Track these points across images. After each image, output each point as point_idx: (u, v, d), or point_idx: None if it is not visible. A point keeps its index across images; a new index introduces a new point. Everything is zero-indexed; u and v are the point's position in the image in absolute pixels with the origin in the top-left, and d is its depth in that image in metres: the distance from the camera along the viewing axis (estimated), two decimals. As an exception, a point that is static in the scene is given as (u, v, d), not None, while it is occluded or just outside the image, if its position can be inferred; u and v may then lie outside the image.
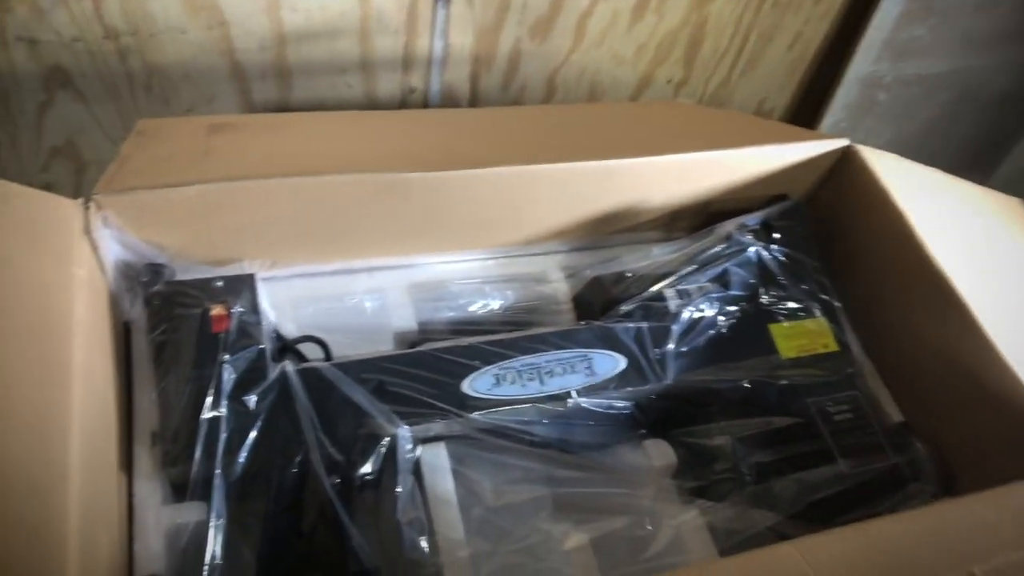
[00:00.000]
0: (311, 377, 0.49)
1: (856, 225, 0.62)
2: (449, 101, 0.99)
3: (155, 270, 0.49)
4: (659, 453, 0.53)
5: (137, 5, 0.77)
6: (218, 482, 0.45)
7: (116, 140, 0.88)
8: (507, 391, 0.51)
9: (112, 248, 0.48)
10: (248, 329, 0.48)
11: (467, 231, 0.57)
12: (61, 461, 0.38)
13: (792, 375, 0.56)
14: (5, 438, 0.36)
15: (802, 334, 0.58)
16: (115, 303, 0.49)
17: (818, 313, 0.59)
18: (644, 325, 0.55)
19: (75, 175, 0.90)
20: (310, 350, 0.53)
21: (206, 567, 0.44)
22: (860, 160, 0.60)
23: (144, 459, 0.47)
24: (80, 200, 0.45)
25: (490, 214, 0.56)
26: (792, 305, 0.59)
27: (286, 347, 0.52)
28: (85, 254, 0.45)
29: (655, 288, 0.57)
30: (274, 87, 0.90)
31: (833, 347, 0.58)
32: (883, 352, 0.61)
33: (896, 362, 0.60)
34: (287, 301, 0.55)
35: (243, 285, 0.50)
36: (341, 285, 0.56)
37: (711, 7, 1.01)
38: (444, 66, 0.96)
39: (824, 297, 0.60)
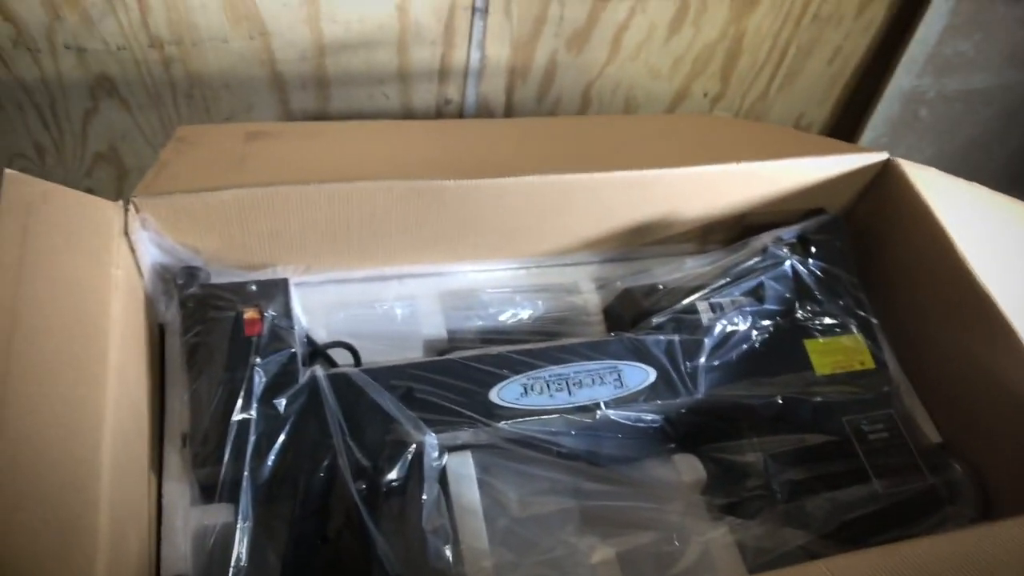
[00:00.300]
0: (340, 382, 0.49)
1: (895, 240, 0.61)
2: (484, 112, 0.99)
3: (191, 273, 0.49)
4: (689, 468, 0.52)
5: (182, 15, 0.79)
6: (246, 484, 0.45)
7: (157, 147, 0.90)
8: (535, 401, 0.51)
9: (149, 250, 0.49)
10: (280, 333, 0.48)
11: (498, 240, 0.57)
12: (93, 457, 0.38)
13: (826, 392, 0.55)
14: (40, 432, 0.36)
15: (838, 350, 0.57)
16: (150, 305, 0.50)
17: (854, 329, 0.58)
18: (675, 338, 0.55)
19: (117, 181, 0.92)
20: (340, 356, 0.54)
21: (232, 569, 0.44)
22: (900, 174, 0.59)
23: (174, 460, 0.47)
24: (120, 202, 0.46)
25: (522, 223, 0.56)
26: (828, 321, 0.57)
27: (316, 352, 0.52)
28: (123, 255, 0.46)
29: (687, 301, 0.56)
30: (312, 97, 0.91)
31: (869, 364, 0.57)
32: (921, 371, 0.59)
33: (935, 382, 0.58)
34: (319, 306, 0.55)
35: (276, 289, 0.50)
36: (372, 292, 0.57)
37: (749, 21, 1.00)
38: (480, 77, 0.97)
39: (861, 313, 0.59)
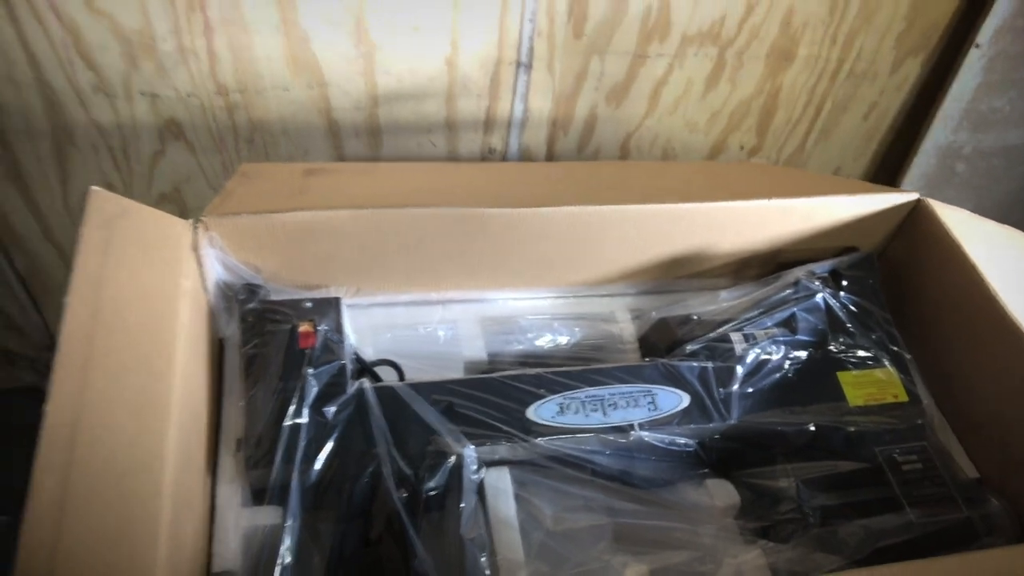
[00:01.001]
0: (386, 395, 0.52)
1: (928, 278, 0.63)
2: (526, 161, 1.04)
3: (251, 289, 0.53)
4: (722, 492, 0.54)
5: (247, 64, 0.86)
6: (294, 488, 0.48)
7: (217, 188, 0.96)
8: (570, 420, 0.53)
9: (214, 267, 0.53)
10: (331, 347, 0.51)
11: (538, 268, 0.60)
12: (159, 449, 0.41)
13: (859, 422, 0.56)
14: (112, 419, 0.40)
15: (871, 383, 0.58)
16: (213, 319, 0.54)
17: (888, 364, 0.59)
18: (709, 365, 0.56)
19: (179, 219, 0.98)
20: (385, 373, 0.56)
21: (278, 568, 0.46)
22: (931, 213, 0.61)
23: (228, 464, 0.50)
24: (190, 220, 0.51)
25: (561, 252, 0.59)
26: (861, 354, 0.59)
27: (364, 368, 0.55)
28: (191, 269, 0.50)
29: (721, 330, 0.58)
30: (365, 144, 0.97)
31: (903, 397, 0.58)
32: (956, 407, 0.60)
33: (970, 417, 0.59)
34: (367, 327, 0.58)
35: (329, 307, 0.54)
36: (417, 315, 0.60)
37: (784, 77, 1.04)
38: (523, 128, 1.02)
39: (894, 348, 0.60)
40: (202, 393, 0.49)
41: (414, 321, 0.59)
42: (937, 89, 1.06)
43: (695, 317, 0.60)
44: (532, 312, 0.61)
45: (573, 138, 1.05)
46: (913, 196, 0.62)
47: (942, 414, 0.60)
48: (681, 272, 0.63)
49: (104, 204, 0.47)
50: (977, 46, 0.99)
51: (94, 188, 0.47)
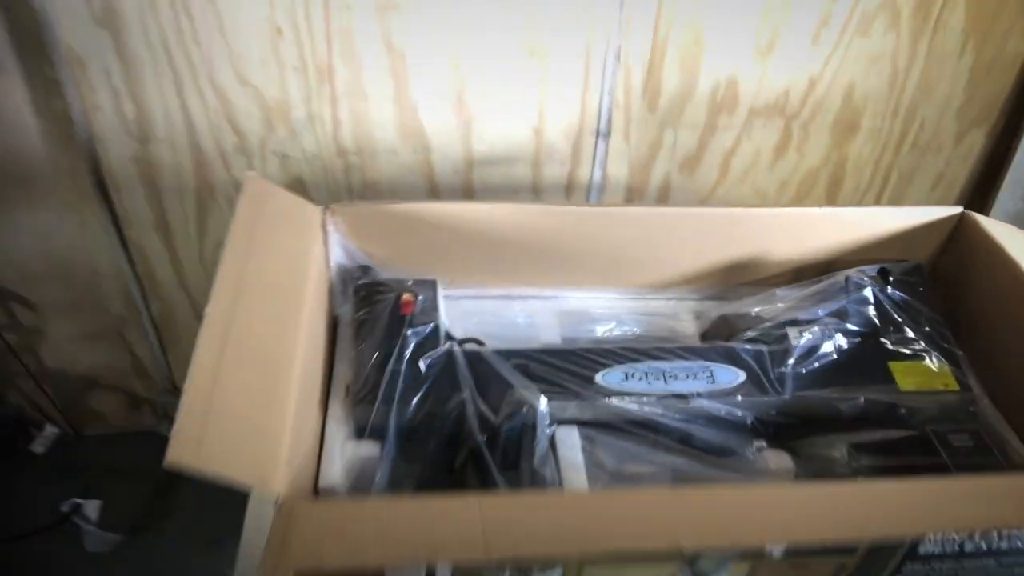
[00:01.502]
0: (472, 355, 0.61)
1: (976, 286, 0.68)
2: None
3: (365, 268, 0.64)
4: (776, 459, 0.59)
5: (365, 130, 1.01)
6: (391, 425, 0.57)
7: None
8: (634, 386, 0.60)
9: (336, 250, 0.64)
10: (428, 312, 0.61)
11: (607, 269, 0.69)
12: (287, 382, 0.50)
13: (910, 401, 0.60)
14: (249, 355, 0.49)
15: (922, 372, 0.63)
16: (331, 294, 0.65)
17: (938, 357, 0.64)
18: (764, 348, 0.63)
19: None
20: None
21: (373, 488, 0.54)
22: (976, 224, 0.67)
23: (336, 407, 0.59)
24: (322, 207, 0.63)
25: (628, 253, 0.68)
26: (912, 346, 0.64)
27: (452, 340, 0.64)
28: (319, 246, 0.61)
29: (776, 321, 0.64)
30: (459, 202, 1.09)
31: (954, 387, 0.62)
32: (1010, 401, 0.63)
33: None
34: (456, 314, 0.68)
35: (427, 285, 0.64)
36: (500, 307, 0.69)
37: (850, 148, 1.12)
38: (601, 193, 1.13)
39: (944, 344, 0.65)
40: (320, 348, 0.59)
41: (497, 311, 0.68)
42: (1003, 157, 1.11)
43: (753, 313, 0.66)
44: (602, 307, 0.70)
45: (648, 204, 1.15)
46: (958, 209, 0.69)
47: (995, 407, 0.64)
48: (740, 279, 0.70)
49: (256, 187, 0.60)
50: (1038, 114, 1.05)
51: (248, 173, 0.60)
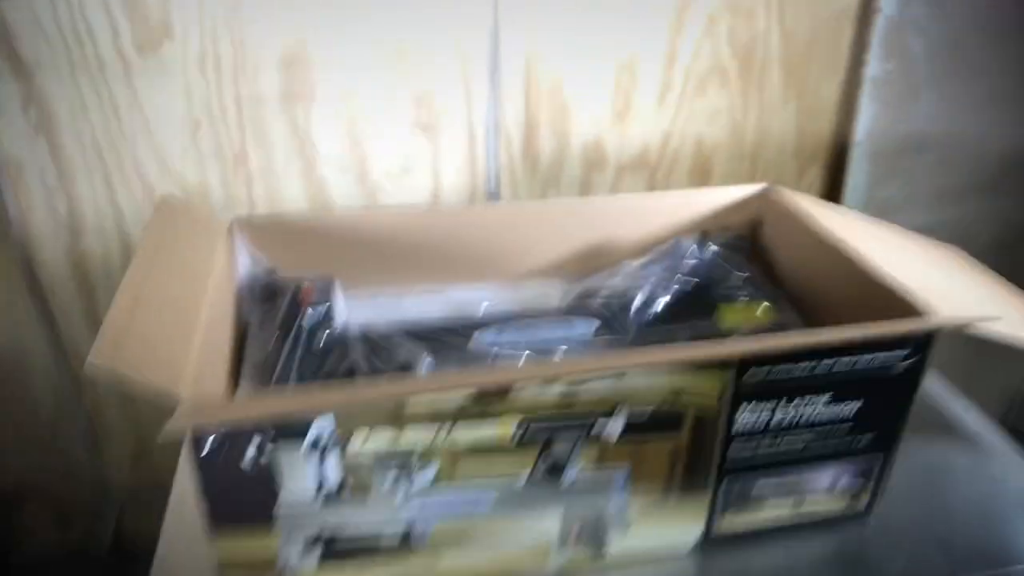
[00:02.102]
0: (363, 327, 0.70)
1: (787, 249, 0.81)
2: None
3: (269, 271, 0.75)
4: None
5: (278, 207, 1.13)
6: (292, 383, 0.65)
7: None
8: (507, 338, 0.71)
9: (243, 260, 0.75)
10: (324, 296, 0.71)
11: (487, 263, 0.81)
12: (185, 351, 0.58)
13: (732, 330, 0.72)
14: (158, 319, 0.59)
15: (744, 310, 0.75)
16: (239, 301, 0.74)
17: (758, 299, 0.76)
18: (613, 302, 0.74)
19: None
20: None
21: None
22: (781, 196, 0.82)
23: (246, 385, 0.68)
24: (229, 220, 0.74)
25: (503, 247, 0.80)
26: (735, 291, 0.76)
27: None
28: (225, 256, 0.72)
29: (619, 281, 0.77)
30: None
31: (773, 318, 0.74)
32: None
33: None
34: (353, 314, 0.78)
35: (326, 280, 0.74)
36: (393, 303, 0.80)
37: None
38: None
39: (763, 289, 0.77)
40: (226, 337, 0.68)
41: (391, 306, 0.79)
42: (839, 189, 1.30)
43: (605, 284, 0.78)
44: (483, 298, 0.81)
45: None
46: (763, 185, 0.84)
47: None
48: (598, 262, 0.83)
49: (167, 204, 0.71)
50: (857, 145, 1.25)
51: (160, 195, 0.71)
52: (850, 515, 0.69)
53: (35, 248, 1.13)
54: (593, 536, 0.62)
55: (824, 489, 0.67)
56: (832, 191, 1.32)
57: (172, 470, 0.74)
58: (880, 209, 1.31)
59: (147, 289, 0.58)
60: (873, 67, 1.22)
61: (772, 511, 0.66)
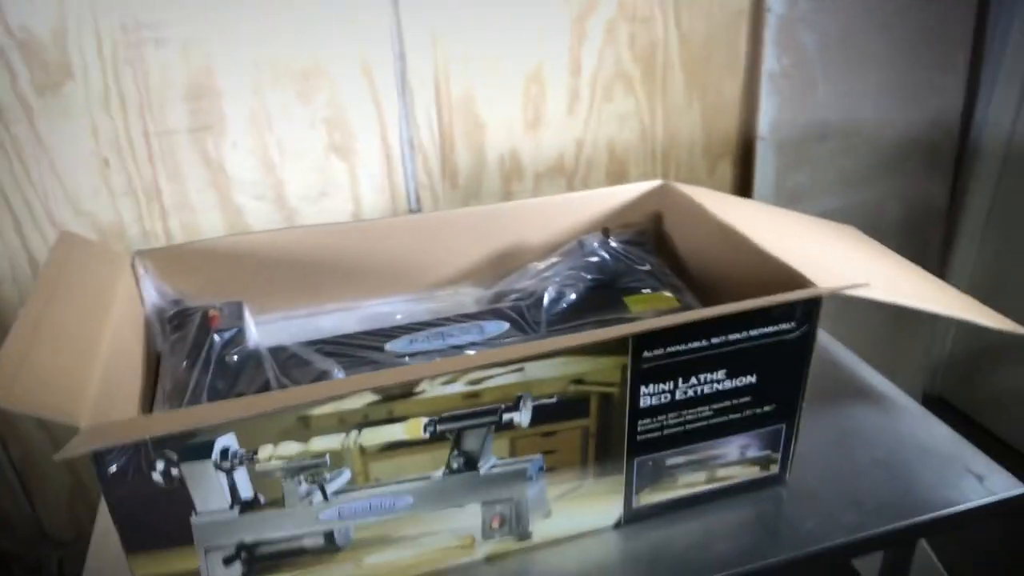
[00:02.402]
0: (274, 347, 0.71)
1: (685, 237, 0.85)
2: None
3: (176, 302, 0.75)
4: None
5: (196, 237, 1.13)
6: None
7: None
8: (419, 347, 0.72)
9: (150, 292, 0.75)
10: (233, 320, 0.72)
11: (399, 275, 0.82)
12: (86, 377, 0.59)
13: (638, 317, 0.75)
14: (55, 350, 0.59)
15: (649, 300, 0.78)
16: (149, 331, 0.75)
17: (661, 288, 0.79)
18: (522, 303, 0.77)
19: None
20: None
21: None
22: (675, 190, 0.85)
23: (159, 409, 0.68)
24: (132, 252, 0.74)
25: (414, 259, 0.82)
26: (639, 282, 0.79)
27: (262, 348, 0.75)
28: (128, 288, 0.72)
29: (531, 283, 0.79)
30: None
31: (675, 305, 0.77)
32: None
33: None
34: (265, 336, 0.78)
35: (234, 305, 0.75)
36: (306, 323, 0.81)
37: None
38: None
39: (665, 279, 0.80)
40: (136, 368, 0.68)
41: (304, 325, 0.80)
42: (748, 182, 1.35)
43: (516, 286, 0.81)
44: (397, 310, 0.82)
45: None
46: (659, 181, 0.87)
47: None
48: (508, 266, 0.85)
49: (67, 239, 0.71)
50: (762, 139, 1.30)
51: (63, 232, 0.72)
52: (765, 481, 0.72)
53: (-53, 301, 1.11)
54: (515, 524, 0.64)
55: (734, 460, 0.70)
56: (743, 184, 1.37)
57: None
58: (790, 197, 1.36)
59: (46, 322, 0.58)
60: (770, 63, 1.28)
61: (687, 483, 0.69)
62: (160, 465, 0.52)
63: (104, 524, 0.72)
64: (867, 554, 0.76)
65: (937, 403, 1.73)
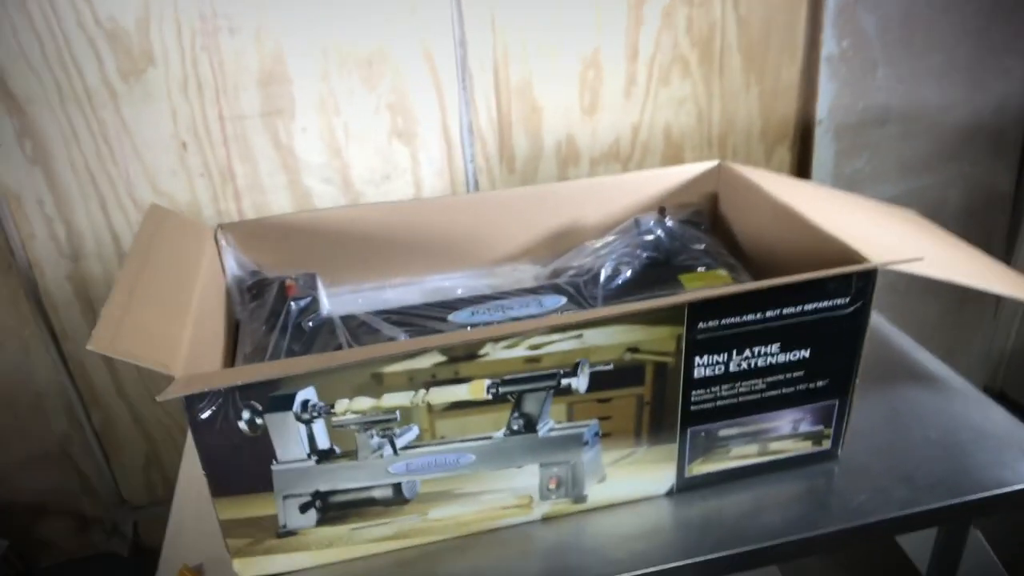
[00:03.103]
0: (346, 315, 0.76)
1: (743, 216, 0.87)
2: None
3: (255, 272, 0.80)
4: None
5: (266, 217, 1.19)
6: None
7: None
8: (480, 318, 0.76)
9: (230, 263, 0.80)
10: (308, 289, 0.77)
11: (463, 252, 0.86)
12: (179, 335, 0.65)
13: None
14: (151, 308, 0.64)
15: (704, 278, 0.80)
16: (230, 299, 0.80)
17: (716, 267, 0.81)
18: (579, 279, 0.80)
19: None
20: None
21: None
22: (732, 170, 0.87)
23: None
24: (214, 226, 0.80)
25: (476, 235, 0.86)
26: (694, 261, 0.81)
27: (333, 317, 0.80)
28: (212, 258, 0.78)
29: (587, 260, 0.82)
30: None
31: (731, 283, 0.79)
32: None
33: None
34: (336, 306, 0.83)
35: (308, 276, 0.80)
36: (374, 295, 0.85)
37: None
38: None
39: (721, 258, 0.82)
40: (219, 331, 0.73)
41: (372, 297, 0.84)
42: (807, 166, 1.35)
43: (573, 263, 0.84)
44: (460, 285, 0.86)
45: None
46: (716, 162, 0.89)
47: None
48: (567, 244, 0.88)
49: (156, 212, 0.77)
50: (820, 123, 1.30)
51: (152, 204, 0.77)
52: (817, 456, 0.74)
53: (38, 274, 1.19)
54: (572, 486, 0.67)
55: (787, 434, 0.72)
56: (800, 170, 1.38)
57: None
58: (849, 183, 1.36)
59: (140, 285, 0.64)
60: (829, 47, 1.28)
61: (739, 455, 0.71)
62: (246, 414, 0.57)
63: (184, 487, 0.77)
64: (917, 530, 0.77)
65: (998, 398, 1.70)
